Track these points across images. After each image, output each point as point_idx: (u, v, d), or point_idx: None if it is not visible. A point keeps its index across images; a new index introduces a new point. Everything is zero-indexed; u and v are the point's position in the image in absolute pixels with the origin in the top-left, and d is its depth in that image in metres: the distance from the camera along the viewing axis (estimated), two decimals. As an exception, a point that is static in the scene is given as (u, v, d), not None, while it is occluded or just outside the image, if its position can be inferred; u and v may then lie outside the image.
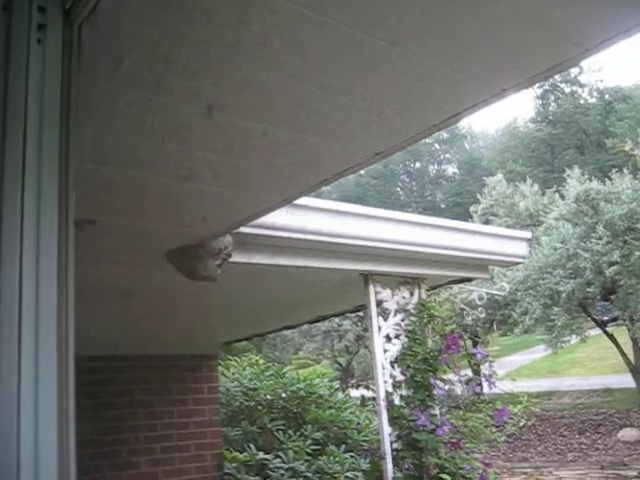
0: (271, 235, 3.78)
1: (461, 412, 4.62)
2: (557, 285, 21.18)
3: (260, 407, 8.44)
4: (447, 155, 73.28)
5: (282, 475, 7.22)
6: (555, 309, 21.29)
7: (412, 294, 5.05)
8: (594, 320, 22.98)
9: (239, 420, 8.16)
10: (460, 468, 4.38)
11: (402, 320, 4.92)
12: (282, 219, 3.70)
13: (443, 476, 4.21)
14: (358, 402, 8.91)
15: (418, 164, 72.00)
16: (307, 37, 1.73)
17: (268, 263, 3.99)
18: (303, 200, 3.58)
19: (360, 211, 4.35)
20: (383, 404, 4.61)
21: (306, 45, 1.78)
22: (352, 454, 7.83)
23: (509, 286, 14.60)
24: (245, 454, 7.29)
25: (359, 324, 24.65)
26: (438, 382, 4.59)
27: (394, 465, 4.49)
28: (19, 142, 1.10)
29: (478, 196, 32.02)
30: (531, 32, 1.79)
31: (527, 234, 5.52)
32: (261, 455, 7.29)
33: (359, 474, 7.43)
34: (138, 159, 2.39)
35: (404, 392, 4.70)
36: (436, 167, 74.51)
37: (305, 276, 4.51)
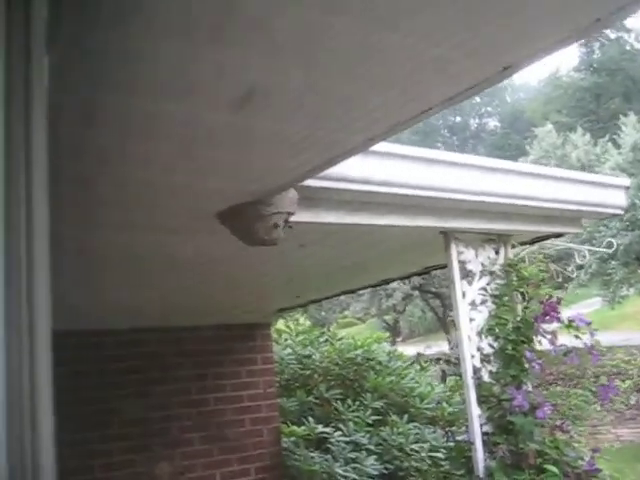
0: (341, 188, 3.16)
1: (558, 388, 3.98)
2: (614, 238, 20.33)
3: (315, 375, 7.91)
4: (488, 108, 71.63)
5: (343, 449, 6.72)
6: (612, 262, 20.55)
7: (497, 253, 4.37)
8: (651, 273, 22.16)
9: (293, 389, 7.64)
10: (564, 455, 3.75)
11: (487, 284, 4.26)
12: (353, 169, 3.09)
13: (547, 466, 3.57)
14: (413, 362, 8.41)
15: (459, 118, 70.49)
16: None
17: (337, 222, 3.38)
18: (376, 146, 2.93)
19: (442, 158, 3.70)
20: (471, 382, 3.95)
21: None
22: (415, 424, 7.30)
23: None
24: (303, 427, 6.77)
25: (407, 282, 24.06)
26: (534, 355, 3.93)
27: (485, 451, 3.88)
28: None
29: (527, 147, 31.01)
30: None
31: (626, 181, 4.80)
32: (320, 428, 6.78)
33: (424, 446, 6.89)
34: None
35: (494, 368, 4.05)
36: (477, 121, 72.95)
37: (376, 236, 3.89)
